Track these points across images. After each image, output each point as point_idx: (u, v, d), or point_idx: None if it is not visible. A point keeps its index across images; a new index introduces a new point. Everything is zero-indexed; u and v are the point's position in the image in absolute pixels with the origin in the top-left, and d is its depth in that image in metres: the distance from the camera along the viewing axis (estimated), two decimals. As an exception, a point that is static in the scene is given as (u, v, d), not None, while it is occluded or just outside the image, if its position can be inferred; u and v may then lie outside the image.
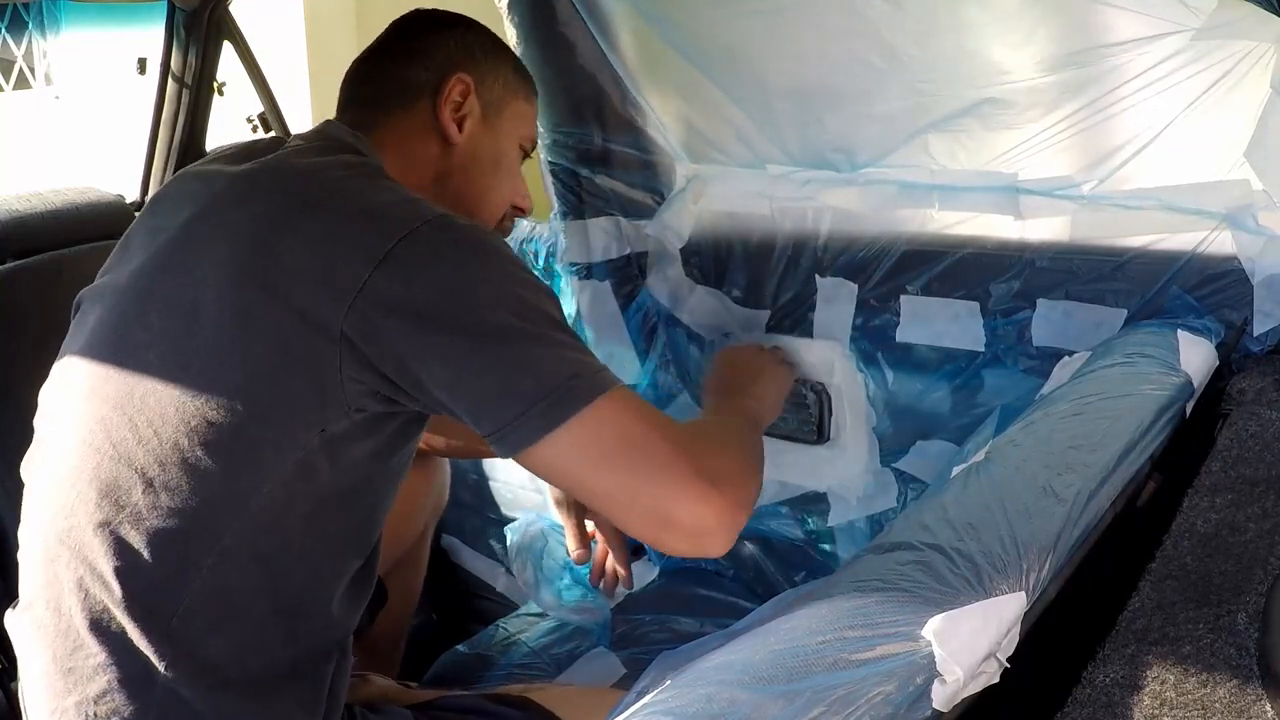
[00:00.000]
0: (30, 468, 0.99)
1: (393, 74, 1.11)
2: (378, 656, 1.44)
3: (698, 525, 0.85)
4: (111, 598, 0.89)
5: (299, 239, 0.87)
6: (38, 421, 1.00)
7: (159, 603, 0.88)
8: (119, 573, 0.88)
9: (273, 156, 1.00)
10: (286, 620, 0.93)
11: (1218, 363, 1.26)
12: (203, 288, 0.89)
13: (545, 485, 1.57)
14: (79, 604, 0.90)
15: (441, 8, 1.17)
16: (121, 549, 0.88)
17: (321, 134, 1.06)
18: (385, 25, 1.15)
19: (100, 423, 0.91)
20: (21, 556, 0.97)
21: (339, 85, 1.13)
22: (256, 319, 0.86)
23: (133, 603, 0.88)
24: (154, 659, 0.88)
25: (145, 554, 0.88)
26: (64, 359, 0.99)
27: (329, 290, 0.84)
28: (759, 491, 0.94)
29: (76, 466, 0.92)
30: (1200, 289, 1.32)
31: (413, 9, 1.19)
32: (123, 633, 0.89)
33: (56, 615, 0.91)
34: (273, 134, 2.20)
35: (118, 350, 0.93)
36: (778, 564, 1.73)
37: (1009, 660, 0.76)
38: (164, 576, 0.88)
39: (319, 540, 0.92)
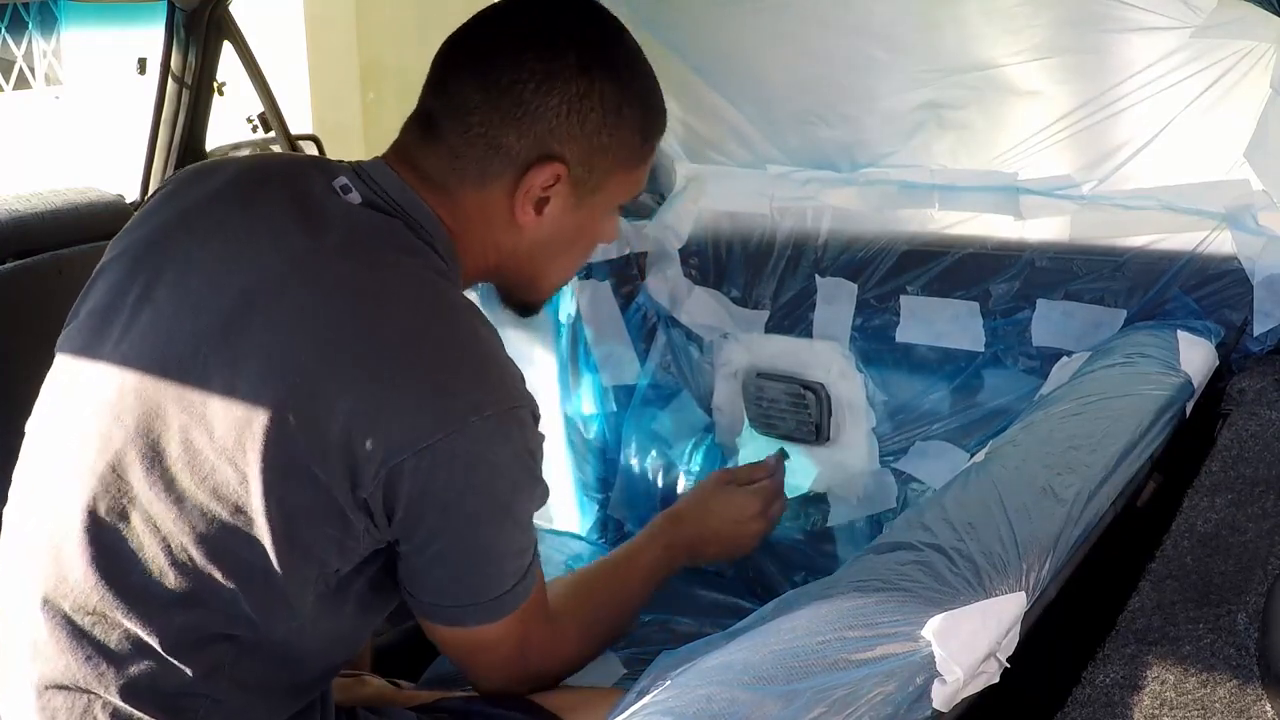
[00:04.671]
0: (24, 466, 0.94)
1: (484, 114, 0.90)
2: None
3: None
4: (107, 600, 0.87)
5: (350, 396, 0.83)
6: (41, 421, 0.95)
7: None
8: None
9: (331, 248, 0.88)
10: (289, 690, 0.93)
11: (1218, 363, 1.26)
12: (241, 383, 0.85)
13: None
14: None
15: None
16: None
17: (386, 200, 0.92)
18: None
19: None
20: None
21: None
22: (288, 472, 0.83)
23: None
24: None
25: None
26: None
27: (360, 456, 0.83)
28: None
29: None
30: (1200, 289, 1.33)
31: None
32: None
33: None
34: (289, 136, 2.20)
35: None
36: (778, 564, 1.73)
37: (1009, 660, 0.77)
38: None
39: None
